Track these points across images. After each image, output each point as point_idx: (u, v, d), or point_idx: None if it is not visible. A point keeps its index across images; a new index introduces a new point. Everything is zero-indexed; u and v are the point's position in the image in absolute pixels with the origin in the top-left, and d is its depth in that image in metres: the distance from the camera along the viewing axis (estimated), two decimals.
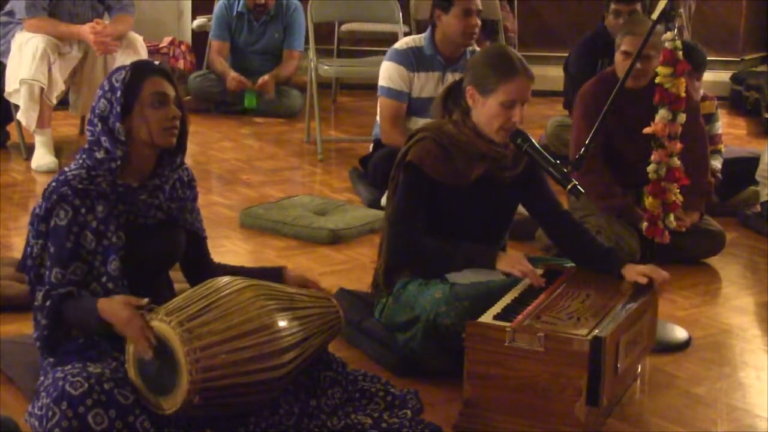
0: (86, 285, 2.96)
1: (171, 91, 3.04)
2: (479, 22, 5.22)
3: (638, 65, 4.27)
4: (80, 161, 3.03)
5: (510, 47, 3.72)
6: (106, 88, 3.02)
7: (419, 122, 4.79)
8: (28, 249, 3.02)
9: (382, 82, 5.36)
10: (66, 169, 3.03)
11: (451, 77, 5.20)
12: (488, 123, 3.46)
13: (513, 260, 3.41)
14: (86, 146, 3.05)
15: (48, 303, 2.91)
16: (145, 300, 2.82)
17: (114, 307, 2.82)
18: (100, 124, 3.01)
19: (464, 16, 5.16)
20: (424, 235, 3.48)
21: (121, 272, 2.98)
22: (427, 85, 5.31)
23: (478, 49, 5.41)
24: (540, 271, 3.49)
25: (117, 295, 2.87)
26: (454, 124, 3.52)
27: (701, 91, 5.42)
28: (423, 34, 5.42)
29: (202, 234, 3.28)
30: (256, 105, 7.12)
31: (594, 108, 4.31)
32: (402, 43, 5.42)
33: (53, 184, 2.99)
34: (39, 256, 2.98)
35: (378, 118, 5.46)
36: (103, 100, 3.02)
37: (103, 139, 3.00)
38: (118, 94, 2.99)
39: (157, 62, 3.19)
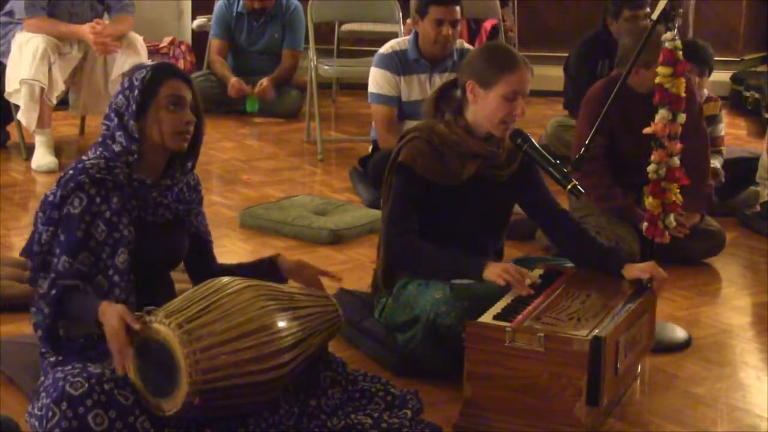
0: (92, 277, 2.96)
1: (188, 96, 3.04)
2: (454, 31, 5.21)
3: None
4: (97, 152, 3.04)
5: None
6: (126, 85, 3.03)
7: (412, 125, 4.79)
8: (36, 235, 3.02)
9: (371, 88, 5.39)
10: (84, 158, 3.03)
11: (438, 78, 5.23)
12: (490, 117, 3.46)
13: (500, 270, 3.34)
14: (100, 140, 3.06)
15: (53, 292, 2.90)
16: (138, 327, 2.77)
17: (110, 314, 2.79)
18: (116, 119, 3.02)
19: (437, 25, 5.18)
20: (419, 236, 3.46)
21: (127, 267, 2.98)
22: (415, 88, 5.33)
23: (467, 46, 5.43)
24: (539, 272, 3.49)
25: (120, 304, 2.84)
26: (446, 123, 3.51)
27: (705, 91, 5.42)
28: (407, 37, 5.44)
29: (208, 238, 3.30)
30: (257, 109, 7.13)
31: (601, 113, 4.31)
32: (387, 47, 5.43)
33: (70, 171, 2.99)
34: (48, 243, 2.98)
35: (373, 122, 5.48)
36: (121, 96, 3.03)
37: (118, 134, 3.01)
38: (136, 92, 3.00)
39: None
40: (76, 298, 2.90)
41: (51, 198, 2.99)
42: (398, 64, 5.33)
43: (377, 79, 5.36)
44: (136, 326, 2.76)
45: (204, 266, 3.29)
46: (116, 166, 3.00)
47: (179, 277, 3.34)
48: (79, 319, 2.92)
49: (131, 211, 3.02)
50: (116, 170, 2.99)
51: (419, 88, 5.30)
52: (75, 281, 2.92)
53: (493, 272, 3.33)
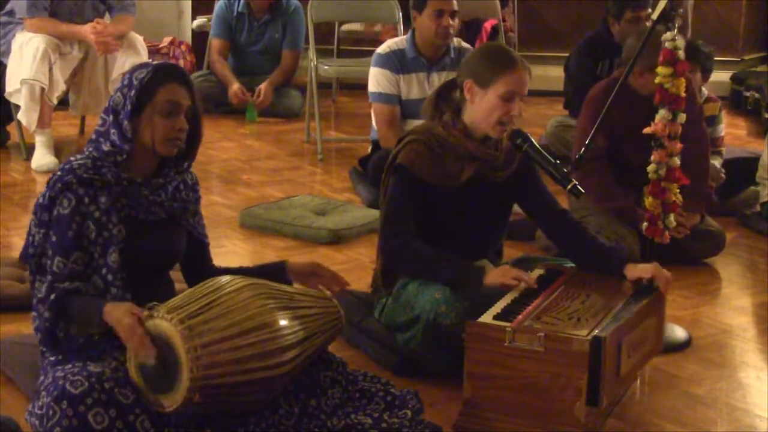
0: (88, 277, 2.96)
1: (186, 102, 3.02)
2: (452, 23, 5.24)
3: None
4: (87, 152, 3.04)
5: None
6: (125, 83, 3.02)
7: (413, 124, 4.80)
8: (30, 238, 3.02)
9: (372, 87, 5.41)
10: (72, 158, 3.03)
11: (436, 77, 5.26)
12: (486, 117, 3.45)
13: (500, 273, 3.34)
14: (94, 136, 3.05)
15: (53, 296, 2.90)
16: (147, 314, 2.80)
17: (118, 314, 2.80)
18: (112, 116, 3.02)
19: (437, 17, 5.21)
20: (416, 238, 3.46)
21: (120, 266, 2.97)
22: (414, 86, 5.35)
23: (465, 45, 5.44)
24: (540, 272, 3.49)
25: (125, 303, 2.86)
26: (444, 125, 3.51)
27: (705, 91, 5.41)
28: (405, 36, 5.45)
29: (205, 240, 3.28)
30: (256, 119, 7.13)
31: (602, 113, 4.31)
32: (384, 46, 5.46)
33: (58, 173, 2.99)
34: (41, 246, 2.98)
35: (374, 122, 5.48)
36: (119, 93, 3.02)
37: (112, 131, 3.01)
38: (133, 92, 2.99)
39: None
40: (78, 301, 2.90)
41: (41, 200, 3.00)
42: (397, 63, 5.35)
43: (377, 78, 5.38)
44: (144, 316, 2.77)
45: (200, 268, 3.27)
46: (104, 165, 2.99)
47: (179, 276, 3.33)
48: (82, 322, 2.92)
49: (120, 209, 3.01)
50: (103, 169, 2.99)
51: (418, 87, 5.32)
52: (74, 284, 2.92)
53: (497, 276, 3.33)
